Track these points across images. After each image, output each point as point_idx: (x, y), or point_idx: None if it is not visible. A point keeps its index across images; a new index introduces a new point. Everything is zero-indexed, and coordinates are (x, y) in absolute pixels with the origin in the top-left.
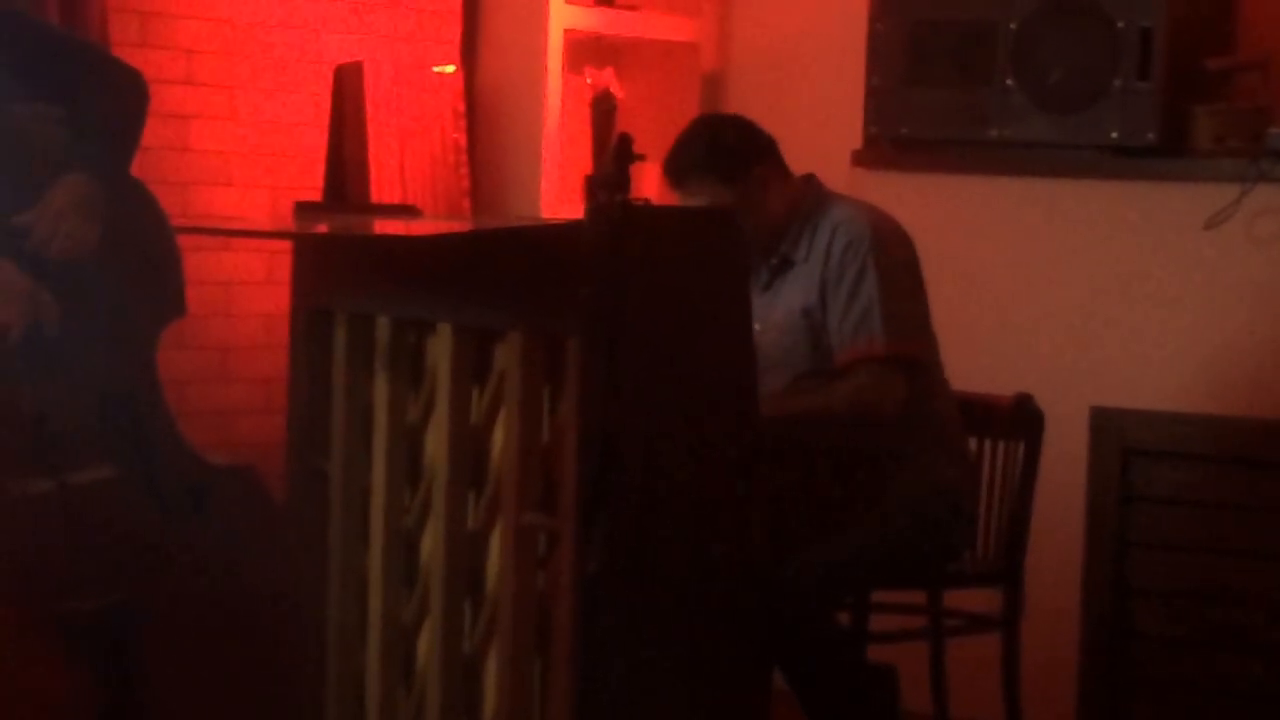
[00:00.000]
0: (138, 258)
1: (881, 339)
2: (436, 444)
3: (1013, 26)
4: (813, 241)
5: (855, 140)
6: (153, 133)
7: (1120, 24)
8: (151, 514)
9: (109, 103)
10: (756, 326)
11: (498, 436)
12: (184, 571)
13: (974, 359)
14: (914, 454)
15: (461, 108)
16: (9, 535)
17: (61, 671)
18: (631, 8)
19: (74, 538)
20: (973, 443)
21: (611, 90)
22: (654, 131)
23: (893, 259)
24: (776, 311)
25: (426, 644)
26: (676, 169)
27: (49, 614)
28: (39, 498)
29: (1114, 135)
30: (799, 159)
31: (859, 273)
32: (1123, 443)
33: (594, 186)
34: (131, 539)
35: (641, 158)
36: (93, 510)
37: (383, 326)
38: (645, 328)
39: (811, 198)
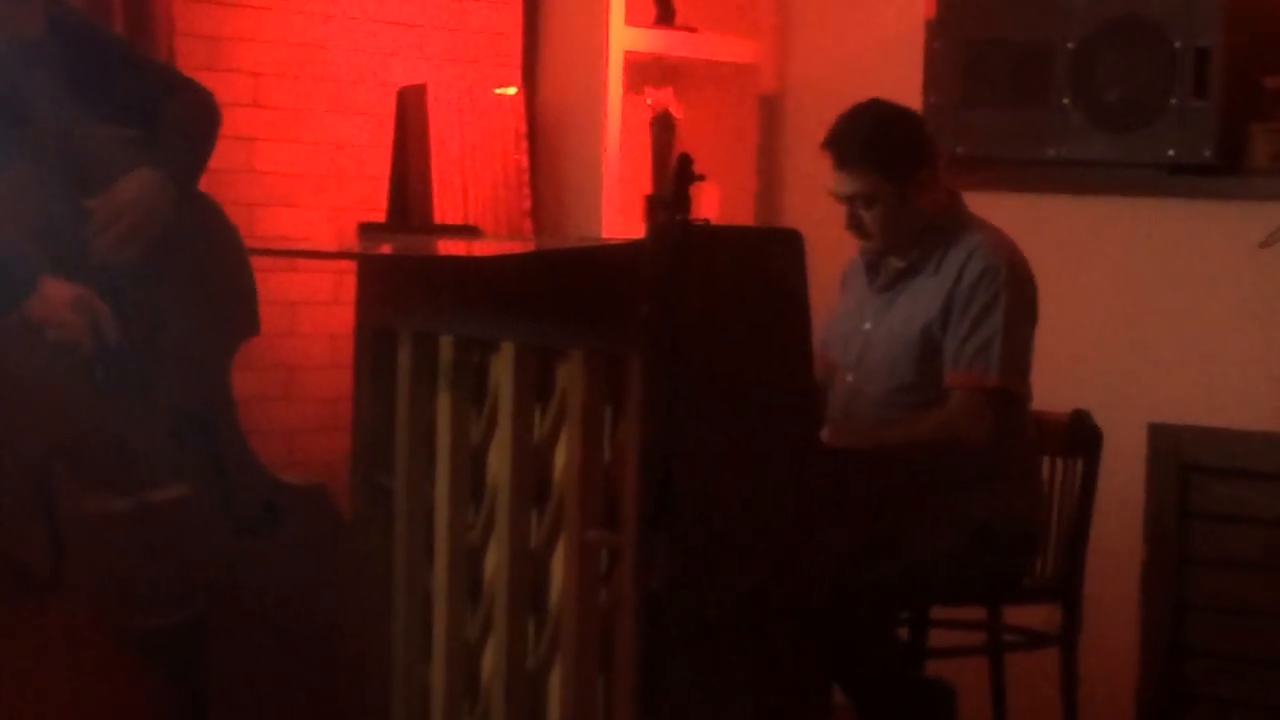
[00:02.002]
0: (212, 276)
1: (996, 372)
2: (499, 461)
3: (1070, 46)
4: (945, 258)
5: None
6: (219, 155)
7: (1177, 43)
8: (226, 532)
9: (183, 120)
10: (867, 325)
11: (560, 454)
12: (256, 589)
13: (1032, 376)
14: (992, 481)
15: (523, 129)
16: (89, 552)
17: (137, 686)
18: (690, 29)
19: (151, 555)
20: None
21: (671, 111)
22: (713, 152)
23: (1023, 296)
24: (892, 317)
25: (491, 660)
26: (843, 151)
27: (126, 629)
28: (118, 515)
29: (1171, 154)
30: None
31: (989, 302)
32: (1180, 459)
33: (654, 206)
34: (206, 557)
35: (701, 178)
36: (170, 528)
37: (446, 346)
38: (706, 346)
39: (952, 215)
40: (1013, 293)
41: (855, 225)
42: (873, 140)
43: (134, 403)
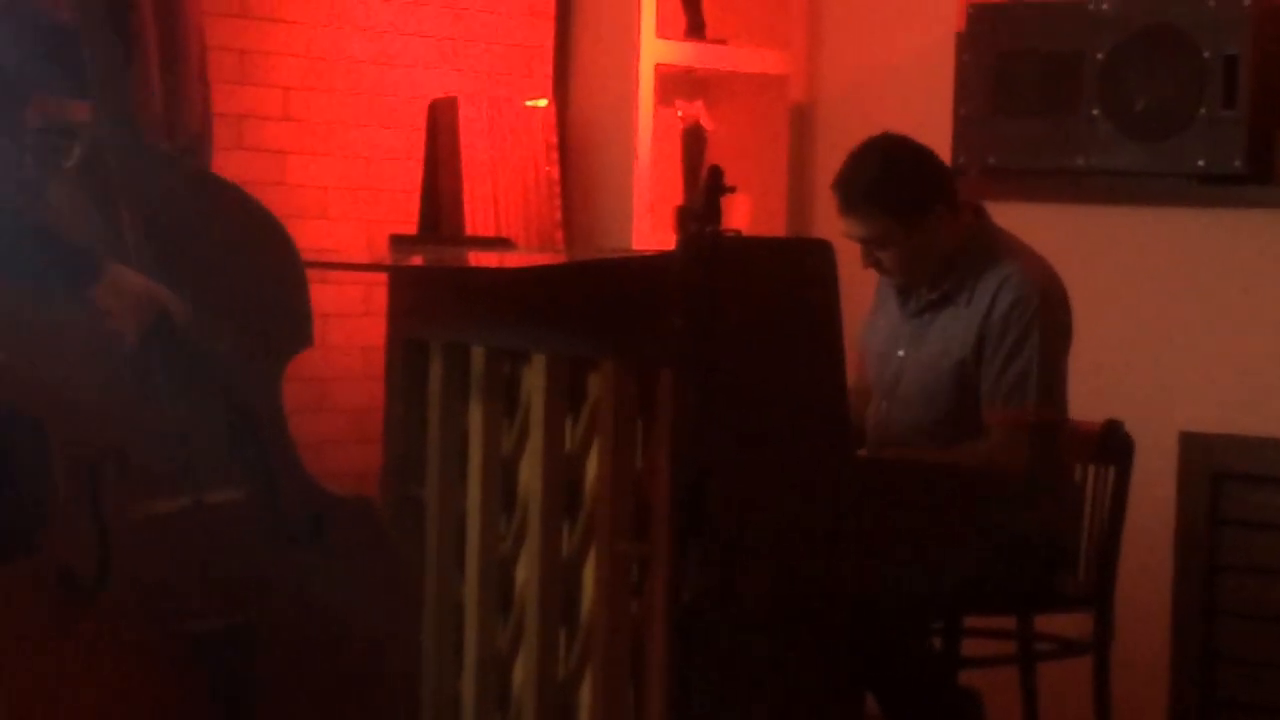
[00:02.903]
0: (262, 286)
1: (1033, 406)
2: (531, 472)
3: (1099, 56)
4: (976, 288)
5: None
6: (251, 168)
7: (1206, 53)
8: (275, 539)
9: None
10: (901, 352)
11: (591, 465)
12: (302, 597)
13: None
14: (1024, 494)
15: (554, 141)
16: (136, 555)
17: (182, 690)
18: (721, 41)
19: (199, 558)
20: None
21: (702, 122)
22: (744, 163)
23: (1055, 324)
24: (925, 347)
25: (522, 670)
26: (848, 196)
27: (172, 633)
28: (166, 517)
29: (1200, 163)
30: None
31: (1022, 335)
32: (1211, 467)
33: (685, 218)
34: (256, 562)
35: (732, 189)
36: (218, 531)
37: (477, 357)
38: (737, 357)
39: (981, 239)
40: (1045, 322)
41: (873, 263)
42: (877, 183)
43: (184, 406)
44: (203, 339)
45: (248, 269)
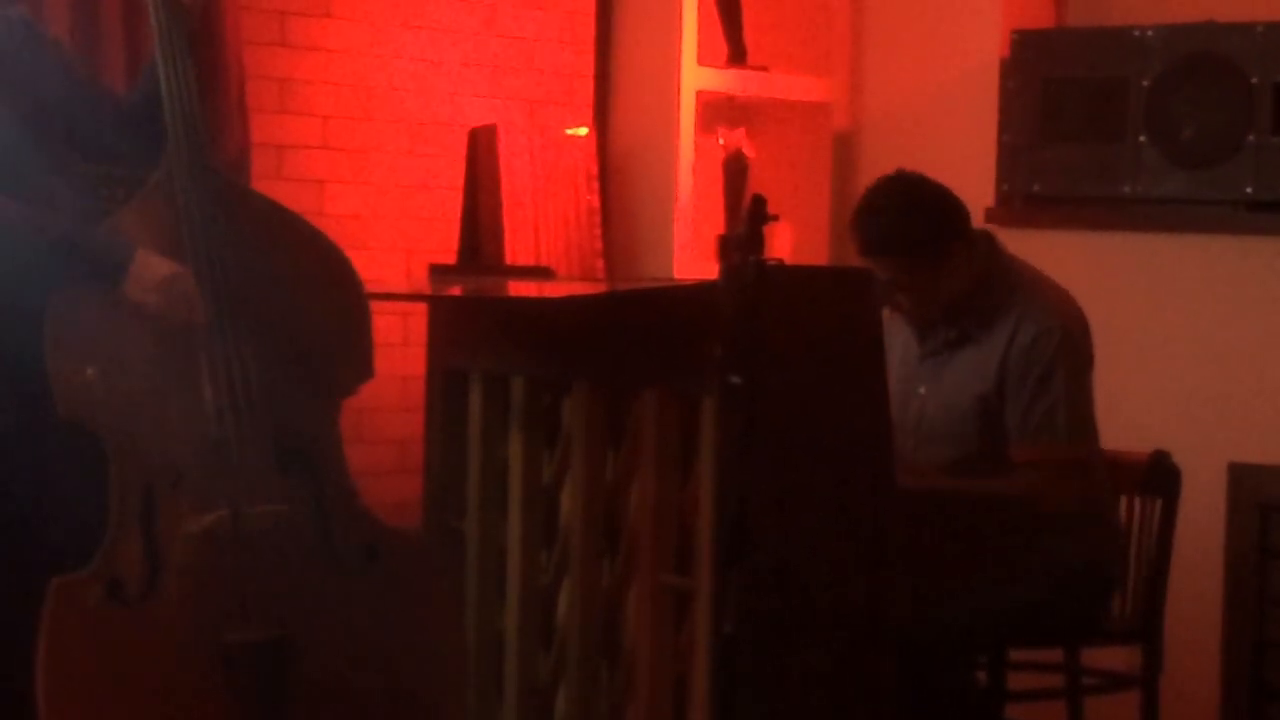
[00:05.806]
0: (328, 318)
1: (1064, 441)
2: (572, 503)
3: (1145, 83)
4: (995, 323)
5: (988, 197)
6: (290, 197)
7: (1254, 79)
8: (319, 560)
9: None
10: (921, 390)
11: (633, 495)
12: (343, 621)
13: (1110, 416)
14: (1069, 525)
15: (594, 170)
16: (183, 568)
17: (218, 704)
18: (763, 68)
19: (241, 569)
20: None
21: (743, 150)
22: (786, 191)
23: (1078, 355)
24: (946, 385)
25: (564, 702)
26: (866, 241)
27: (212, 644)
28: (212, 529)
29: (1248, 190)
30: None
31: (1046, 371)
32: (1260, 498)
33: (727, 247)
34: (297, 579)
35: (775, 218)
36: (260, 543)
37: (518, 387)
38: (780, 387)
39: (997, 272)
40: (1069, 357)
41: (892, 305)
42: (895, 228)
43: (239, 427)
44: (264, 366)
45: (313, 301)
